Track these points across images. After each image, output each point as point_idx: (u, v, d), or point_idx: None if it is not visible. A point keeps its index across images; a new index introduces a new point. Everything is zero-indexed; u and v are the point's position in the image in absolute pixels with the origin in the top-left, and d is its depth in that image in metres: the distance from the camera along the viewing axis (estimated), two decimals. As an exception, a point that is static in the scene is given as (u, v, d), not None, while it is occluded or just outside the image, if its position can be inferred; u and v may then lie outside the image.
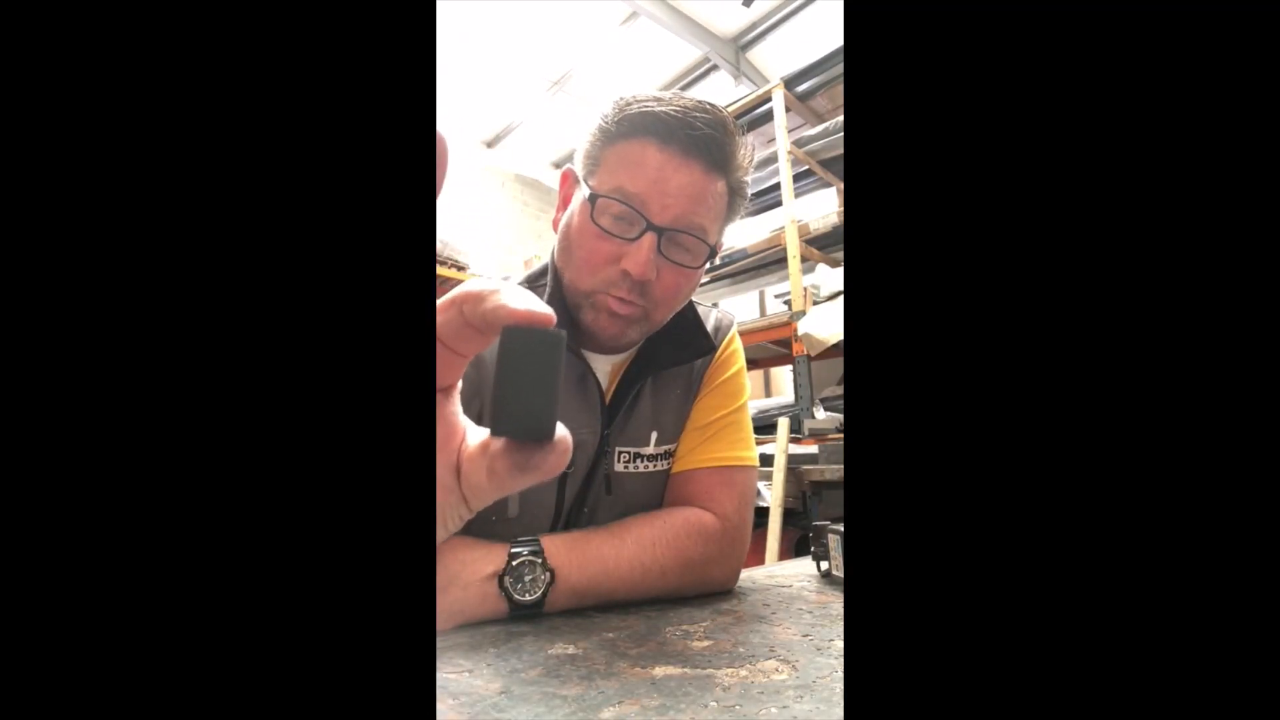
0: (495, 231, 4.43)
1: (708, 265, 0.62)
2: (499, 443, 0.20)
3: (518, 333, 0.18)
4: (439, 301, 0.21)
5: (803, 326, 2.18)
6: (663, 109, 0.56)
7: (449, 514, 0.22)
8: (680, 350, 0.66)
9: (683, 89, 3.98)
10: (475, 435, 0.22)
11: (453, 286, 0.22)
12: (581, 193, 0.59)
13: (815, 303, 2.31)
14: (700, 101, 0.58)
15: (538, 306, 0.19)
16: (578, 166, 0.61)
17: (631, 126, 0.57)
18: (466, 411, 0.24)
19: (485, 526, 0.58)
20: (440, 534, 0.22)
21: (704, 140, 0.56)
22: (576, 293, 0.59)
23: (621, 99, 0.59)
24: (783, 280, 2.74)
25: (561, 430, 0.19)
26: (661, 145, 0.56)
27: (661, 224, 0.56)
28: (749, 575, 0.70)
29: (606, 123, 0.58)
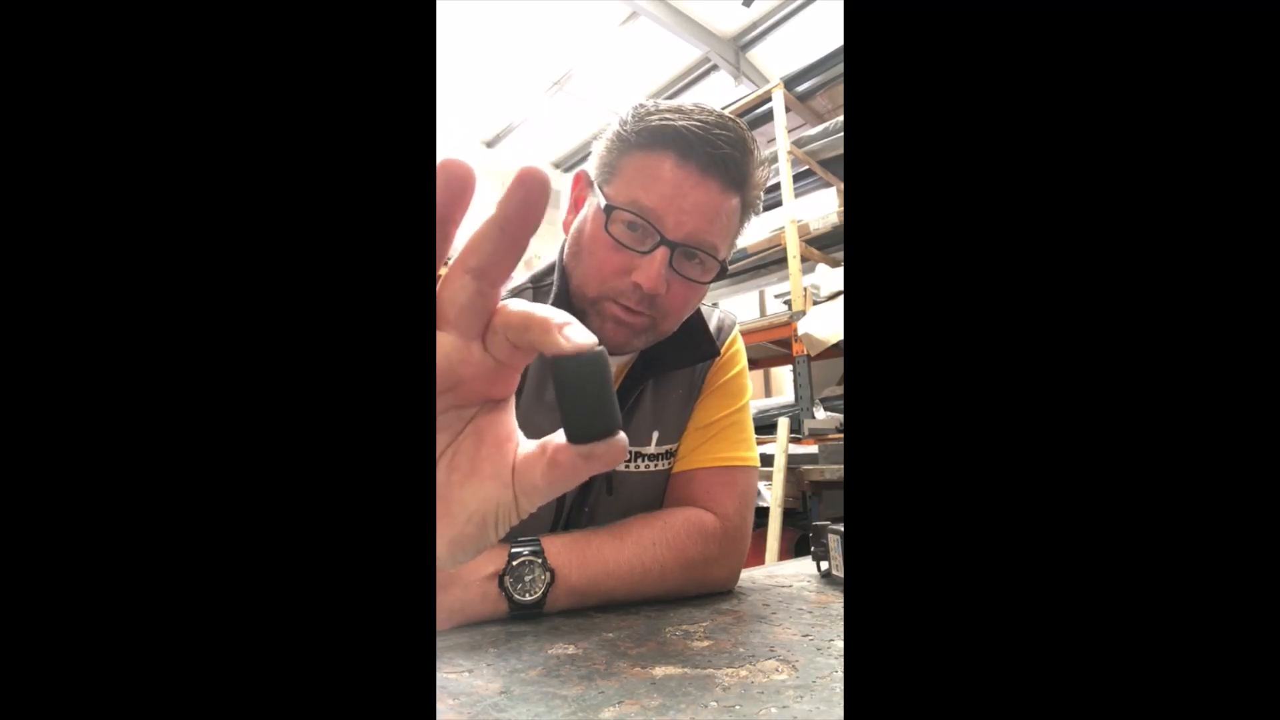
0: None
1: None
2: (561, 439, 0.21)
3: (567, 360, 0.20)
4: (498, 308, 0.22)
5: (803, 326, 2.18)
6: (684, 123, 0.55)
7: (501, 516, 0.22)
8: (684, 353, 0.66)
9: (683, 89, 4.00)
10: (524, 443, 0.23)
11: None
12: (595, 199, 0.58)
13: (815, 303, 2.31)
14: (722, 117, 0.57)
15: (583, 338, 0.20)
16: (592, 170, 0.60)
17: (651, 138, 0.56)
18: None
19: None
20: (492, 536, 0.22)
21: (723, 159, 0.56)
22: (584, 299, 0.59)
23: (642, 107, 0.58)
24: (783, 280, 2.74)
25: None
26: (680, 161, 0.55)
27: (675, 239, 0.56)
28: (749, 575, 0.70)
29: (625, 130, 0.58)
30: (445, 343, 0.21)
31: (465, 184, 0.20)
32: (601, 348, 0.20)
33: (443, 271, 0.21)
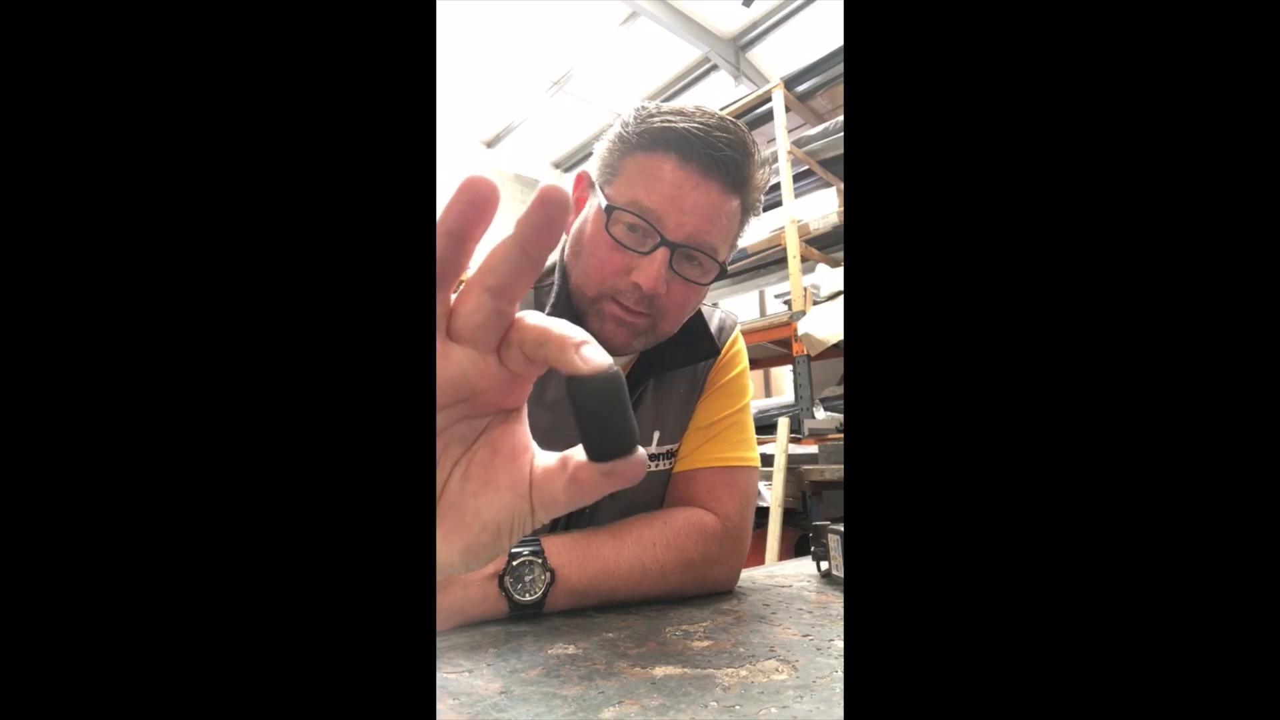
0: (495, 231, 4.43)
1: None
2: (581, 456, 0.21)
3: (583, 381, 0.20)
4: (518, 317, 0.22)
5: (803, 326, 2.18)
6: (685, 125, 0.56)
7: (517, 526, 0.22)
8: (685, 353, 0.66)
9: (683, 89, 4.00)
10: (541, 455, 0.23)
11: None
12: (596, 199, 0.59)
13: (815, 303, 2.31)
14: (723, 119, 0.58)
15: (599, 358, 0.20)
16: (593, 171, 0.61)
17: (653, 139, 0.56)
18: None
19: None
20: (505, 544, 0.23)
21: (724, 161, 0.56)
22: (583, 298, 0.59)
23: (644, 109, 0.59)
24: (783, 280, 2.74)
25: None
26: (681, 162, 0.56)
27: (675, 240, 0.56)
28: (749, 575, 0.70)
29: (627, 132, 0.58)
30: (461, 356, 0.21)
31: (489, 202, 0.20)
32: (617, 368, 0.20)
33: (465, 278, 0.21)
